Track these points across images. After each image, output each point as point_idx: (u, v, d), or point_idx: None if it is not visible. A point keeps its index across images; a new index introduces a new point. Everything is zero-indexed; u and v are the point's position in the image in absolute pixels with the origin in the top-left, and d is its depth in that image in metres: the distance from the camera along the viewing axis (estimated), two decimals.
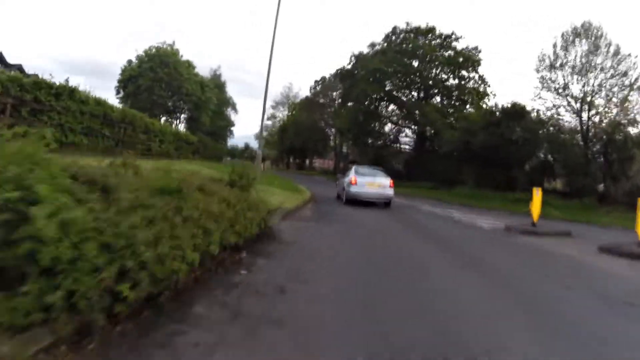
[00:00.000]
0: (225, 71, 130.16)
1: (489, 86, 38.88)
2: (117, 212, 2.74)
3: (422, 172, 36.31)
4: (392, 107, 42.82)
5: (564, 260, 7.10)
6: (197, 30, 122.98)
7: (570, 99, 25.50)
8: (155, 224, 3.02)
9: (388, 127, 43.83)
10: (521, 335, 3.18)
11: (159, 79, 36.68)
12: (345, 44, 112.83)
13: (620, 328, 3.65)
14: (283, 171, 65.60)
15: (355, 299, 3.76)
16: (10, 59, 29.82)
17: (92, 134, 14.79)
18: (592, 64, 24.60)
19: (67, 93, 13.51)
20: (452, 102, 39.14)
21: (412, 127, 41.57)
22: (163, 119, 37.26)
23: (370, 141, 42.85)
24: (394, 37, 40.76)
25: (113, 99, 36.94)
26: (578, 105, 25.15)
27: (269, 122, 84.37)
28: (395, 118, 43.18)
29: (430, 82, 39.90)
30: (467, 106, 38.77)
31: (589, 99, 24.76)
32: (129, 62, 38.22)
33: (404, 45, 39.46)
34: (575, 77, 25.06)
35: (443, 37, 39.16)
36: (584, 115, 25.06)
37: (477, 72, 38.35)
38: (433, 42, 38.99)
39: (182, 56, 39.48)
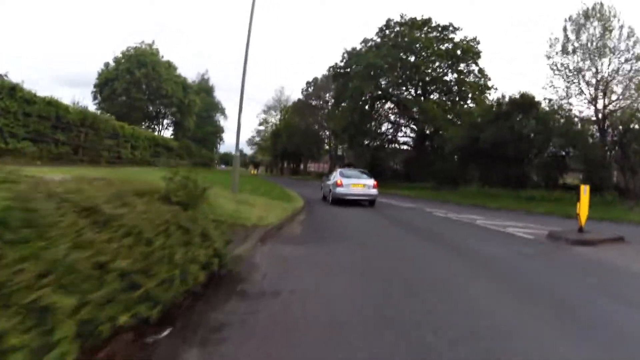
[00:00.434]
0: (220, 75, 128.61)
1: (489, 80, 36.93)
2: None
3: (423, 172, 34.15)
4: (388, 105, 40.62)
5: None
6: (197, 30, 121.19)
7: (583, 86, 23.41)
8: None
9: (385, 127, 41.66)
10: None
11: (136, 80, 34.00)
12: (340, 45, 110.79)
13: None
14: (276, 176, 63.32)
15: None
16: None
17: (41, 139, 12.41)
18: (605, 47, 22.55)
19: (6, 91, 11.17)
20: (452, 98, 36.98)
21: (411, 125, 39.42)
22: (145, 125, 34.33)
23: (366, 142, 40.64)
24: (388, 31, 38.65)
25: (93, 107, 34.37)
26: (592, 91, 23.07)
27: (262, 127, 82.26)
28: (392, 117, 40.98)
29: (428, 78, 37.82)
30: (468, 102, 36.73)
31: (603, 85, 22.69)
32: (106, 64, 35.49)
33: (399, 39, 37.35)
34: (587, 63, 23.01)
35: (440, 28, 37.09)
36: (599, 104, 23.00)
37: (477, 64, 36.30)
38: (430, 34, 36.91)
39: (162, 56, 36.76)
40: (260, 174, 68.08)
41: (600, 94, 22.84)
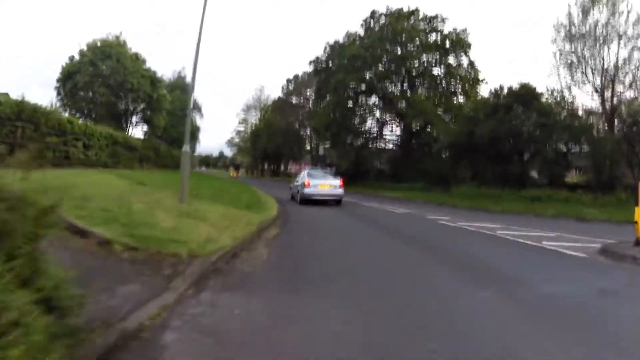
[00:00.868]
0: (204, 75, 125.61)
1: (480, 72, 34.79)
2: None
3: (411, 171, 31.75)
4: (373, 99, 38.16)
5: None
6: (196, 30, 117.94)
7: (589, 74, 21.32)
8: None
9: (370, 123, 39.19)
10: None
11: (100, 73, 30.46)
12: (323, 43, 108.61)
13: None
14: (257, 178, 60.25)
15: None
16: None
17: None
18: (613, 33, 20.54)
19: None
20: (441, 91, 34.68)
21: (397, 121, 37.06)
22: (110, 123, 30.56)
23: (349, 141, 38.14)
24: (372, 23, 36.26)
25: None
26: (597, 80, 21.03)
27: (241, 128, 78.97)
28: (377, 112, 38.58)
29: (414, 71, 35.52)
30: (459, 97, 34.55)
31: (611, 74, 20.66)
32: (71, 58, 31.82)
33: (384, 31, 34.95)
34: (594, 50, 20.95)
35: (428, 19, 34.84)
36: (607, 94, 20.94)
37: (467, 56, 34.15)
38: (417, 26, 34.59)
39: (130, 49, 33.32)
40: (240, 176, 64.94)
41: (608, 84, 20.78)
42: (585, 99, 20.84)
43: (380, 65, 34.66)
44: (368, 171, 37.33)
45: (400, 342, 2.63)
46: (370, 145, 38.79)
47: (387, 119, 38.24)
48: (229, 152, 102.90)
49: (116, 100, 32.03)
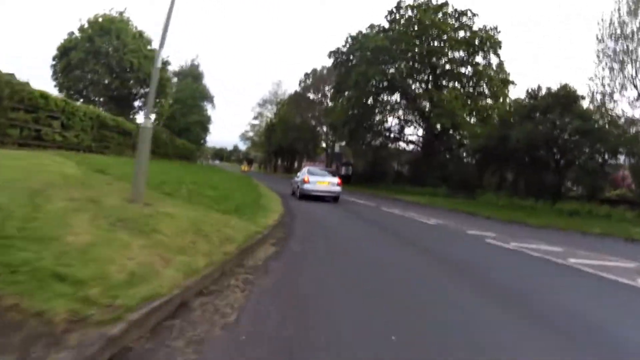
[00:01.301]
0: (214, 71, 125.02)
1: (508, 75, 32.55)
2: None
3: (432, 175, 29.67)
4: (395, 97, 36.04)
5: None
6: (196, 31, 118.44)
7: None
8: None
9: (390, 122, 37.11)
10: None
11: (96, 50, 27.76)
12: (344, 37, 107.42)
13: None
14: (269, 174, 58.51)
15: None
16: None
17: None
18: None
19: None
20: (469, 92, 32.45)
21: (420, 121, 34.94)
22: (106, 107, 28.25)
23: (368, 139, 36.13)
24: (398, 16, 34.11)
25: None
26: None
27: (256, 122, 77.37)
28: (400, 111, 36.45)
29: (439, 69, 33.38)
30: (487, 99, 32.32)
31: None
32: (70, 34, 29.18)
33: (411, 25, 32.84)
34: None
35: (457, 14, 32.64)
36: None
37: (497, 55, 31.91)
38: (446, 20, 32.42)
39: (136, 27, 30.76)
40: (253, 170, 63.30)
41: None
42: (625, 106, 18.59)
43: (405, 59, 32.57)
44: (385, 173, 35.33)
45: None
46: (389, 146, 36.74)
47: (409, 119, 36.15)
48: (243, 146, 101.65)
49: (112, 80, 29.37)
